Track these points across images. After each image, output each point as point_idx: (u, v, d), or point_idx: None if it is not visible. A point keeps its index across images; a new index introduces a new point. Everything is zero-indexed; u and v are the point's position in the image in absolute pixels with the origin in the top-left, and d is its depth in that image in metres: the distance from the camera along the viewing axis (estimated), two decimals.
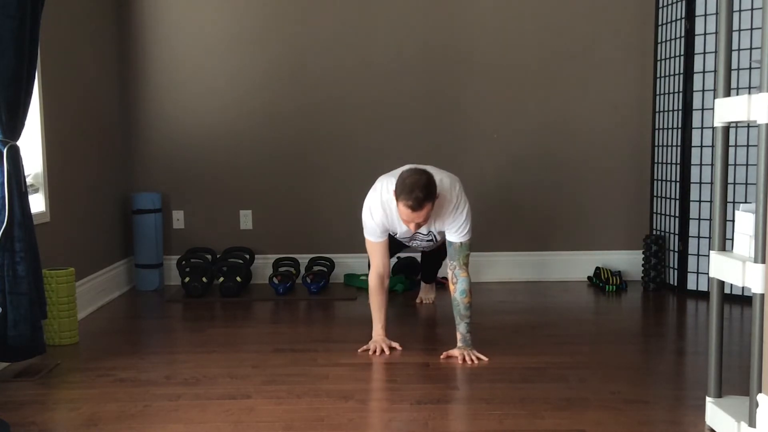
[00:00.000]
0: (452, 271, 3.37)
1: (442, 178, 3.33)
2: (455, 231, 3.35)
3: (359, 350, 3.45)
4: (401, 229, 3.46)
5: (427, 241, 3.70)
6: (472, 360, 3.27)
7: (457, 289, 3.34)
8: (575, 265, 5.02)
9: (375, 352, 3.40)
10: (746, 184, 4.30)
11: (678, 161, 4.59)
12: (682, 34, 4.53)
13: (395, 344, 3.47)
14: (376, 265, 3.47)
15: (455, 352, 3.33)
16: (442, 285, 4.83)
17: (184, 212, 5.03)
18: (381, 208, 3.37)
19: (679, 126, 4.57)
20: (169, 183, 5.00)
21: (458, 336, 3.37)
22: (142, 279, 4.85)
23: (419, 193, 3.10)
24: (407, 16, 4.89)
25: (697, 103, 4.47)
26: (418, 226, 3.27)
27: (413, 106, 4.86)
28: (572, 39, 4.90)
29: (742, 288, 4.19)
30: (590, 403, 2.77)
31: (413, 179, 3.13)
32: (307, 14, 4.90)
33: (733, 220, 2.57)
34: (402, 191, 3.14)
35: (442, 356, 3.34)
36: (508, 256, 5.02)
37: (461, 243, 3.37)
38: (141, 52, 4.92)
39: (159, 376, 3.11)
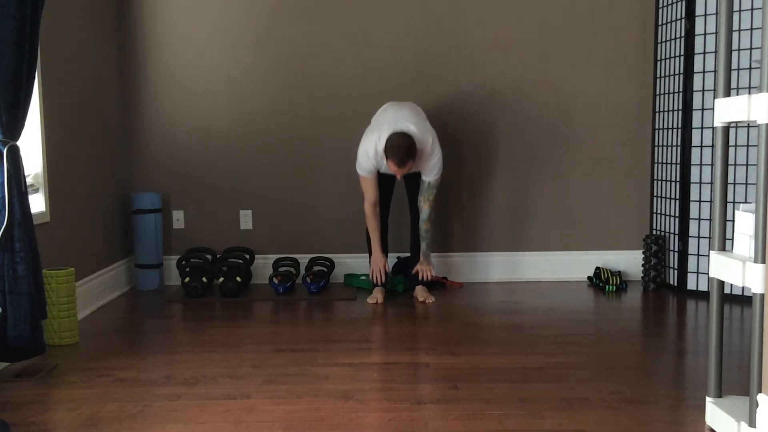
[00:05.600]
0: (419, 203, 4.27)
1: (423, 133, 4.08)
2: (428, 172, 4.18)
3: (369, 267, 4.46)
4: (387, 170, 4.19)
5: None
6: (426, 277, 4.30)
7: (421, 217, 4.28)
8: (575, 265, 5.02)
9: (375, 272, 4.31)
10: (746, 184, 4.30)
11: (678, 161, 4.59)
12: (682, 34, 4.53)
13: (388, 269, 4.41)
14: (369, 195, 4.21)
15: (418, 266, 4.31)
16: (442, 284, 4.85)
17: (184, 212, 5.03)
18: (375, 155, 4.08)
19: (679, 126, 4.57)
20: (169, 183, 5.00)
21: (421, 254, 4.32)
22: (142, 279, 4.85)
23: (404, 154, 3.93)
24: (406, 17, 4.89)
25: (697, 103, 4.47)
26: (402, 174, 4.09)
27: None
28: (572, 39, 4.90)
29: (742, 288, 4.20)
30: (590, 403, 2.77)
31: (399, 142, 3.92)
32: (307, 15, 4.90)
33: (733, 220, 2.57)
34: (390, 151, 3.95)
35: (413, 271, 4.37)
36: (508, 255, 5.02)
37: (430, 182, 4.21)
38: (141, 52, 4.92)
39: (159, 376, 3.11)
